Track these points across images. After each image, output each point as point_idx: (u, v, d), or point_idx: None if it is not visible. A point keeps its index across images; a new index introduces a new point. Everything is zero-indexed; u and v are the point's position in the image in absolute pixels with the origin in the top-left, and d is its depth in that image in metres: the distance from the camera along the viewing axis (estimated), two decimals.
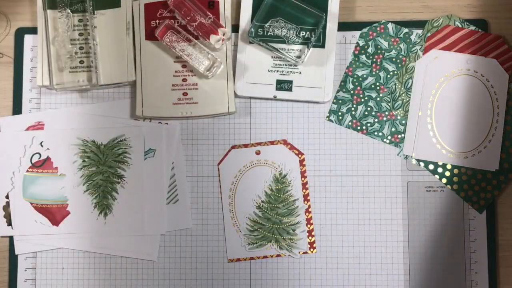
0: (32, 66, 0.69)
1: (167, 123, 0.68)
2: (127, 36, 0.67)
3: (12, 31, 0.70)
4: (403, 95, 0.67)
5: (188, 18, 0.66)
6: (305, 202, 0.67)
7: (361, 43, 0.68)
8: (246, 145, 0.68)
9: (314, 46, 0.66)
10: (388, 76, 0.67)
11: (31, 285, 0.67)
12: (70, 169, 0.67)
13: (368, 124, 0.67)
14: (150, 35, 0.67)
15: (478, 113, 0.66)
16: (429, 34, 0.68)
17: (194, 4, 0.66)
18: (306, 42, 0.66)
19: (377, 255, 0.66)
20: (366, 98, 0.67)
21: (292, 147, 0.67)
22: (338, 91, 0.68)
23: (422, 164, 0.67)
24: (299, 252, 0.66)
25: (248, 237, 0.66)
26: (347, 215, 0.67)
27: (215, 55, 0.66)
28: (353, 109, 0.67)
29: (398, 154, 0.67)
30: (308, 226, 0.66)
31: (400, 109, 0.67)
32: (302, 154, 0.67)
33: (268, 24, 0.66)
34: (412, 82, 0.67)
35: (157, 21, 0.67)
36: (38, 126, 0.68)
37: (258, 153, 0.67)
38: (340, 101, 0.68)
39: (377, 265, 0.66)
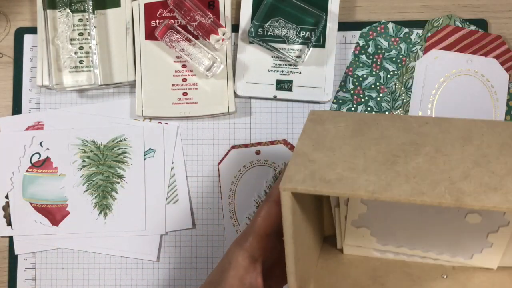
0: (32, 66, 0.69)
1: (167, 123, 0.68)
2: (127, 36, 0.67)
3: (12, 31, 0.70)
4: (403, 95, 0.67)
5: (188, 18, 0.66)
6: None
7: (361, 43, 0.68)
8: (246, 145, 0.68)
9: (314, 46, 0.66)
10: (388, 76, 0.67)
11: (31, 285, 0.67)
12: (70, 169, 0.67)
13: None
14: (150, 35, 0.67)
15: (478, 113, 0.66)
16: (429, 34, 0.68)
17: (194, 4, 0.66)
18: (306, 42, 0.66)
19: None
20: (366, 98, 0.67)
21: (292, 147, 0.67)
22: (338, 91, 0.68)
23: None
24: None
25: None
26: None
27: (215, 55, 0.66)
28: (353, 109, 0.67)
29: None
30: None
31: (400, 109, 0.67)
32: None
33: (268, 24, 0.66)
34: (412, 82, 0.67)
35: (157, 21, 0.67)
36: (38, 126, 0.68)
37: (258, 153, 0.67)
38: (340, 101, 0.68)
39: None
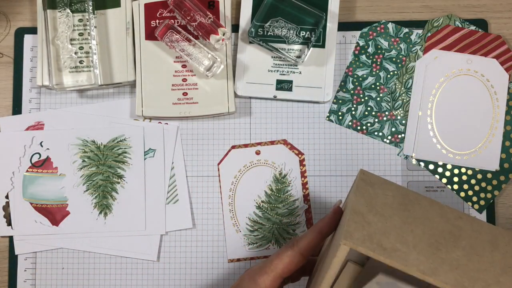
0: (32, 66, 0.69)
1: (167, 123, 0.68)
2: (127, 36, 0.67)
3: (12, 31, 0.70)
4: (403, 95, 0.67)
5: (188, 18, 0.66)
6: (305, 202, 0.67)
7: (361, 43, 0.68)
8: (246, 145, 0.68)
9: (314, 46, 0.66)
10: (388, 76, 0.67)
11: (31, 285, 0.67)
12: (70, 169, 0.67)
13: (368, 124, 0.67)
14: (150, 35, 0.67)
15: (478, 113, 0.66)
16: (429, 34, 0.68)
17: (194, 4, 0.66)
18: (306, 42, 0.66)
19: None
20: (366, 98, 0.67)
21: (292, 147, 0.67)
22: (338, 91, 0.68)
23: (422, 164, 0.67)
24: None
25: (248, 237, 0.66)
26: None
27: (215, 55, 0.66)
28: (353, 109, 0.67)
29: (398, 154, 0.67)
30: (308, 226, 0.66)
31: (400, 109, 0.67)
32: (302, 154, 0.67)
33: (268, 24, 0.66)
34: (412, 82, 0.67)
35: (157, 21, 0.67)
36: (38, 126, 0.68)
37: (258, 153, 0.67)
38: (340, 101, 0.68)
39: None
